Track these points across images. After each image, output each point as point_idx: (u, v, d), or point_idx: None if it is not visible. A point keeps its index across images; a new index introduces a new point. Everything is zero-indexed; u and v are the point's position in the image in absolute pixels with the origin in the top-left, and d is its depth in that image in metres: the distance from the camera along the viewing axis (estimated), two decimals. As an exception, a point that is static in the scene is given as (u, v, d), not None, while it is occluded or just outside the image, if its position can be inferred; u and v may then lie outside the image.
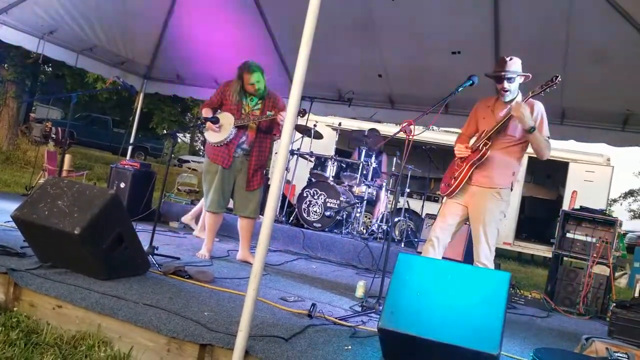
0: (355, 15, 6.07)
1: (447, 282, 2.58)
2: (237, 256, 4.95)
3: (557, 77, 3.59)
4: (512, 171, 3.85)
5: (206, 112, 4.69)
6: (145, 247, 3.77)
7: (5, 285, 2.93)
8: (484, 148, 3.76)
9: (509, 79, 3.73)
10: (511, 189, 3.89)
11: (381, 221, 7.29)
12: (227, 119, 4.62)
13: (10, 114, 14.58)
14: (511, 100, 3.79)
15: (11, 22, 6.33)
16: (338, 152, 9.98)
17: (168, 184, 5.15)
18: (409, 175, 7.74)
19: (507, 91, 3.76)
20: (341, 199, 6.79)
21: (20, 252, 3.46)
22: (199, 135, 30.61)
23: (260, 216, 4.97)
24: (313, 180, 7.36)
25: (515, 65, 3.76)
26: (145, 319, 2.64)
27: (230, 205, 5.13)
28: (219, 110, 4.71)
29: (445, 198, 4.03)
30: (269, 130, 4.79)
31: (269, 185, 2.45)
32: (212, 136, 4.64)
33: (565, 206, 9.20)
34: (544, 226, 11.58)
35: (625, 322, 3.87)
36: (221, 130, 4.60)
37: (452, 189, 3.90)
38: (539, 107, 3.78)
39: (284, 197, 7.33)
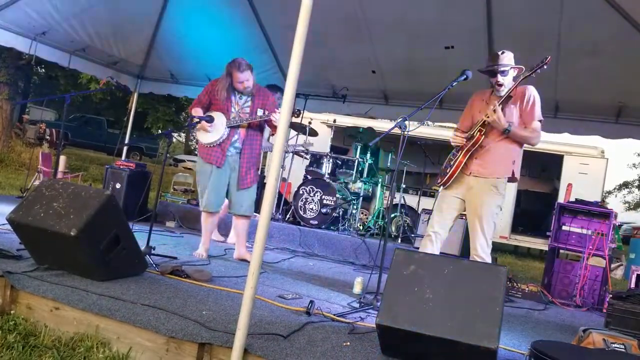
0: (348, 12, 6.06)
1: (444, 276, 2.59)
2: (234, 255, 4.95)
3: (548, 57, 3.63)
4: (512, 159, 3.86)
5: (196, 112, 4.66)
6: (142, 247, 3.76)
7: (2, 288, 2.92)
8: (478, 134, 3.79)
9: (502, 72, 3.78)
10: (515, 179, 3.91)
11: (377, 217, 7.30)
12: (219, 119, 4.61)
13: (4, 116, 14.51)
14: (506, 93, 3.81)
15: (2, 23, 6.29)
16: (333, 149, 9.99)
17: (164, 184, 5.13)
18: (405, 170, 7.75)
19: (501, 85, 3.81)
20: (337, 195, 6.79)
21: (17, 255, 3.45)
22: (194, 134, 30.57)
23: (256, 214, 4.98)
24: (309, 177, 7.37)
25: (507, 58, 3.82)
26: (144, 319, 2.64)
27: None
28: (208, 112, 4.70)
29: (441, 190, 4.04)
30: (261, 128, 4.80)
31: (265, 183, 2.45)
32: (205, 137, 4.64)
33: (561, 199, 9.26)
34: (539, 219, 11.63)
35: (622, 313, 3.88)
36: (214, 130, 4.60)
37: (447, 177, 3.91)
38: (531, 90, 3.82)
39: (280, 194, 7.33)
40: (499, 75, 3.78)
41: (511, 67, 3.80)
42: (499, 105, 3.71)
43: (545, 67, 3.66)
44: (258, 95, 4.73)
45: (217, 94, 4.64)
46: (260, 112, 4.66)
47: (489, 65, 3.86)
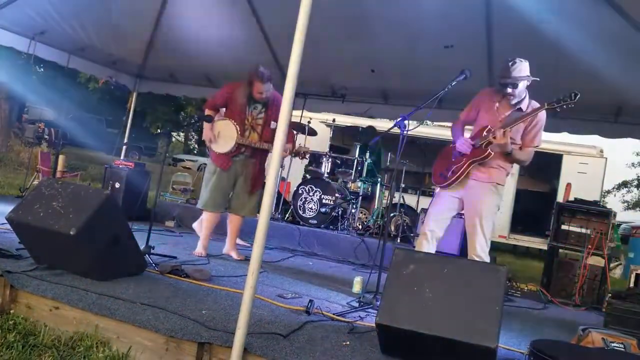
0: (347, 10, 6.05)
1: (443, 276, 2.59)
2: (223, 250, 5.00)
3: (577, 94, 3.49)
4: (507, 171, 3.92)
5: (209, 112, 4.70)
6: (142, 247, 3.76)
7: (1, 288, 2.92)
8: (488, 148, 3.75)
9: (513, 85, 3.73)
10: (503, 185, 3.94)
11: (377, 217, 7.30)
12: (230, 131, 4.61)
13: (3, 116, 14.49)
14: (517, 103, 3.79)
15: (1, 22, 6.28)
16: (332, 148, 9.98)
17: (163, 183, 5.14)
18: (404, 170, 7.74)
19: (512, 96, 3.77)
20: (336, 195, 6.79)
21: (16, 254, 3.45)
22: (193, 133, 30.53)
23: (256, 214, 4.98)
24: (308, 177, 7.36)
25: (518, 70, 3.72)
26: (143, 318, 2.64)
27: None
28: (222, 116, 4.72)
29: (439, 189, 4.03)
30: (273, 139, 4.81)
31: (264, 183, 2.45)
32: (215, 145, 4.68)
33: (560, 198, 9.25)
34: (538, 219, 11.61)
35: (621, 312, 3.89)
36: (223, 141, 4.63)
37: (448, 182, 3.90)
38: (541, 117, 3.76)
39: (279, 194, 7.33)
40: (509, 88, 3.74)
41: (521, 80, 3.73)
42: (510, 128, 3.68)
43: (572, 105, 3.51)
44: (272, 105, 4.73)
45: (236, 99, 4.66)
46: (273, 125, 4.68)
47: (500, 77, 3.81)
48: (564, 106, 3.54)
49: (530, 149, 3.83)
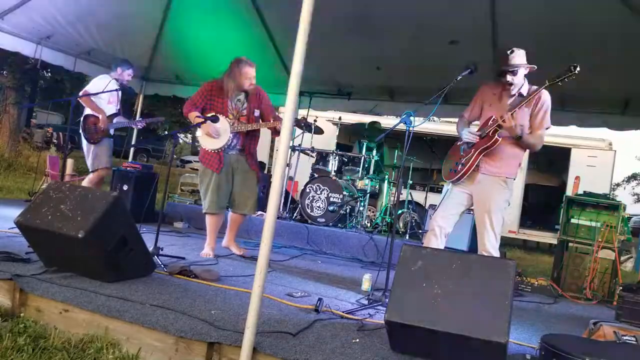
0: (352, 8, 6.04)
1: (452, 271, 2.58)
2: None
3: (576, 67, 3.50)
4: (518, 161, 3.90)
5: (193, 116, 4.59)
6: (150, 248, 3.77)
7: (11, 292, 2.94)
8: (495, 135, 3.75)
9: (512, 72, 3.74)
10: (514, 179, 3.91)
11: (385, 214, 7.28)
12: (222, 123, 4.61)
13: (11, 121, 14.58)
14: (518, 91, 3.81)
15: (7, 28, 6.32)
16: (339, 146, 9.97)
17: (171, 185, 5.15)
18: (411, 167, 7.72)
19: (511, 84, 3.78)
20: (344, 193, 6.78)
21: (25, 258, 3.47)
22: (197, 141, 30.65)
23: (263, 213, 4.97)
24: (315, 175, 7.36)
25: (517, 58, 3.76)
26: (153, 319, 2.65)
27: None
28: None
29: (450, 185, 4.01)
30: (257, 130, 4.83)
31: (271, 182, 2.45)
32: (211, 142, 4.65)
33: (569, 192, 9.20)
34: (548, 213, 11.56)
35: (633, 305, 3.87)
36: (220, 135, 4.62)
37: (459, 175, 3.88)
38: (545, 97, 3.78)
39: (286, 193, 7.33)
40: (508, 75, 3.75)
41: (521, 67, 3.75)
42: (516, 109, 3.69)
43: (573, 77, 3.53)
44: (253, 96, 4.76)
45: (216, 98, 4.65)
46: (257, 113, 4.72)
47: (499, 66, 3.83)
48: (565, 79, 3.55)
49: (541, 131, 3.81)
